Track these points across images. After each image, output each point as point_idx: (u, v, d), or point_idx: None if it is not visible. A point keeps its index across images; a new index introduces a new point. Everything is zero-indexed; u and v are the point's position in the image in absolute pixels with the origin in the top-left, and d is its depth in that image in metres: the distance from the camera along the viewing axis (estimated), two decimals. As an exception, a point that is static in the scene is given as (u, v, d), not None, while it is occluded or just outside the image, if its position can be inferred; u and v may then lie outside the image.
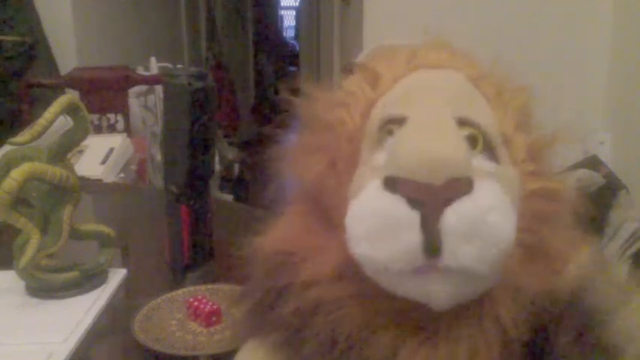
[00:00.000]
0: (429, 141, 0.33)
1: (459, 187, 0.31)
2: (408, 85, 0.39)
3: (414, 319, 0.35)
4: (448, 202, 0.31)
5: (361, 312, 0.35)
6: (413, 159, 0.32)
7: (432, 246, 0.31)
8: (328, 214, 0.38)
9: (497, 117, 0.38)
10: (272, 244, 0.40)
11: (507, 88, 0.40)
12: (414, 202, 0.31)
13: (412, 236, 0.31)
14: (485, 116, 0.37)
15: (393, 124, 0.36)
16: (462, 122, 0.35)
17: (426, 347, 0.34)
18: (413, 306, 0.34)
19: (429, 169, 0.31)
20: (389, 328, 0.35)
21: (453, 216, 0.31)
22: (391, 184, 0.32)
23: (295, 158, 0.41)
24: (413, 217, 0.31)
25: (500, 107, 0.39)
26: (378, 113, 0.38)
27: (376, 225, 0.32)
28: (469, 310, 0.34)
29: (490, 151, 0.36)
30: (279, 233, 0.41)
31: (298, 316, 0.37)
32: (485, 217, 0.31)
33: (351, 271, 0.35)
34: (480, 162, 0.35)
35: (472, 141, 0.35)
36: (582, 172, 1.68)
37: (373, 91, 0.40)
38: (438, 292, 0.33)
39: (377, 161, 0.36)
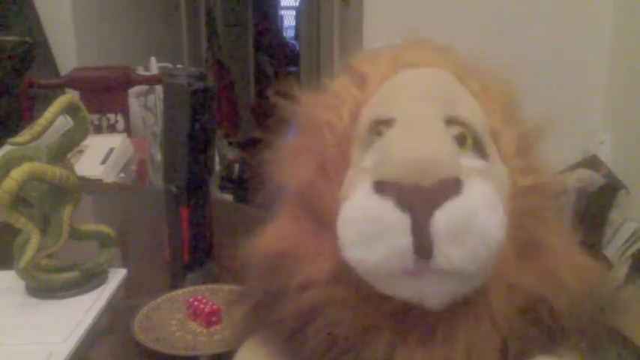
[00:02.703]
0: (417, 143, 0.33)
1: (448, 188, 0.31)
2: (395, 86, 0.39)
3: (411, 319, 0.35)
4: (437, 204, 0.31)
5: (358, 314, 0.35)
6: (401, 162, 0.32)
7: (423, 248, 0.31)
8: (321, 217, 0.38)
9: (485, 112, 0.38)
10: (268, 245, 0.40)
11: (492, 82, 0.40)
12: (403, 206, 0.31)
13: (403, 240, 0.31)
14: (473, 113, 0.37)
15: (381, 125, 0.36)
16: (450, 121, 0.35)
17: (423, 347, 0.34)
18: (409, 306, 0.34)
19: (416, 171, 0.31)
20: (386, 329, 0.35)
21: (443, 218, 0.31)
22: (380, 188, 0.32)
23: (284, 162, 0.41)
24: (403, 220, 0.31)
25: (486, 102, 0.39)
26: (366, 114, 0.38)
27: (367, 230, 0.32)
28: (465, 309, 0.35)
29: (479, 148, 0.36)
30: (275, 234, 0.40)
31: (296, 319, 0.37)
32: (475, 218, 0.31)
33: (346, 273, 0.35)
34: (469, 160, 0.35)
35: (461, 139, 0.35)
36: (582, 172, 1.68)
37: (361, 92, 0.40)
38: (431, 294, 0.33)
39: (367, 162, 0.36)
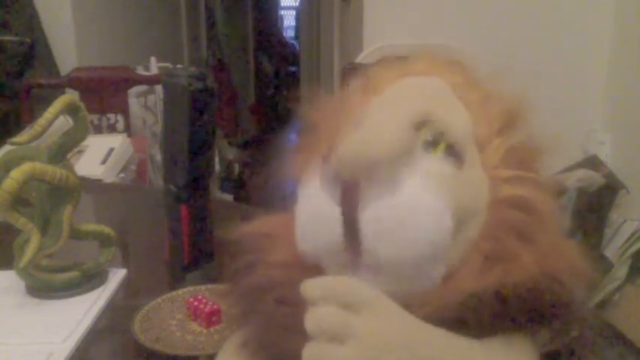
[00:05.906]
0: (365, 143, 0.34)
1: (381, 186, 0.33)
2: (386, 92, 0.40)
3: None
4: (368, 200, 0.32)
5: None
6: (343, 160, 0.33)
7: (352, 242, 0.33)
8: None
9: (475, 122, 0.39)
10: (255, 227, 0.42)
11: (496, 94, 0.40)
12: (338, 199, 0.33)
13: (335, 232, 0.33)
14: (455, 120, 0.38)
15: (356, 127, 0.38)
16: (423, 124, 0.36)
17: None
18: None
19: (354, 168, 0.33)
20: None
21: (370, 214, 0.32)
22: (323, 183, 0.34)
23: (291, 159, 0.43)
24: (336, 213, 0.33)
25: (482, 112, 0.39)
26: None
27: (306, 221, 0.35)
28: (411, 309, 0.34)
29: (454, 153, 0.36)
30: (265, 219, 0.43)
31: (253, 292, 0.39)
32: (403, 218, 0.32)
33: (306, 260, 0.37)
34: (434, 163, 0.35)
35: (432, 143, 0.36)
36: (582, 172, 1.68)
37: (366, 99, 0.41)
38: None
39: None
